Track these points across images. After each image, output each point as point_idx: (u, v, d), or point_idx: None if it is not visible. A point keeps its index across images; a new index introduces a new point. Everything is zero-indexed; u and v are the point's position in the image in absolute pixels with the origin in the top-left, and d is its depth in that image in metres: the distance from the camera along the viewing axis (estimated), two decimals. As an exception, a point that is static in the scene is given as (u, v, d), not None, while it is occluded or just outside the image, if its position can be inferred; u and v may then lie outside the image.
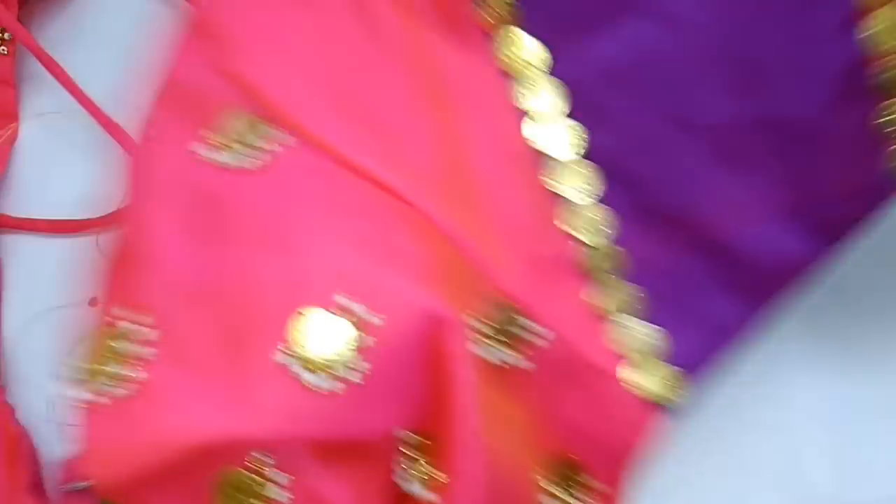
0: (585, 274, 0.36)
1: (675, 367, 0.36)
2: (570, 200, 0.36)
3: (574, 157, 0.36)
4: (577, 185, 0.36)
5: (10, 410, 0.39)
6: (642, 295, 0.36)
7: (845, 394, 0.38)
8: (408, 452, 0.32)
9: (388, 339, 0.31)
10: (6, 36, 0.43)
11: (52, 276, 0.42)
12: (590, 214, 0.36)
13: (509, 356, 0.34)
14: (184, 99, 0.36)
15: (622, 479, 0.36)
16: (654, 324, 0.36)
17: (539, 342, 0.34)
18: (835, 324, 0.37)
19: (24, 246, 0.42)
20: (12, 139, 0.43)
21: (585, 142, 0.36)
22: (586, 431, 0.36)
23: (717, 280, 0.36)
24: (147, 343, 0.33)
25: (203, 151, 0.35)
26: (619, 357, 0.36)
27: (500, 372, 0.34)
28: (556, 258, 0.36)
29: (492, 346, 0.33)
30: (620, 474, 0.36)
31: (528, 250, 0.35)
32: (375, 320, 0.31)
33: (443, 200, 0.34)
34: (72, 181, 0.43)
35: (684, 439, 0.37)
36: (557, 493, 0.35)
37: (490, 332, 0.33)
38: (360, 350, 0.31)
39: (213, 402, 0.31)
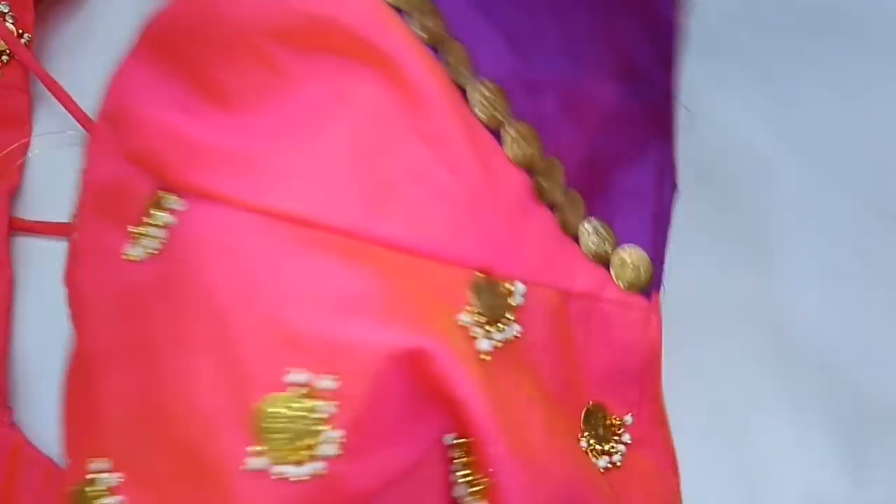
0: (541, 199, 0.34)
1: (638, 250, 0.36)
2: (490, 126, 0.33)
3: (475, 79, 0.33)
4: (491, 107, 0.33)
5: (20, 434, 0.38)
6: (582, 195, 0.35)
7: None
8: (457, 459, 0.30)
9: (350, 398, 0.28)
10: (23, 41, 0.42)
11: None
12: (513, 132, 0.33)
13: (504, 333, 0.31)
14: (105, 198, 0.33)
15: (649, 400, 0.36)
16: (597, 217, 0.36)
17: (518, 301, 0.32)
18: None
19: (35, 249, 0.41)
20: (27, 147, 0.42)
21: (473, 61, 0.33)
22: (597, 367, 0.35)
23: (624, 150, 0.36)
24: (113, 491, 0.29)
25: (128, 251, 0.32)
26: (598, 269, 0.35)
27: (502, 352, 0.31)
28: (513, 196, 0.33)
29: (487, 331, 0.31)
30: (645, 396, 0.36)
31: (485, 204, 0.32)
32: (329, 384, 0.28)
33: (369, 204, 0.31)
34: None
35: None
36: (599, 447, 0.35)
37: (480, 318, 0.31)
38: (327, 421, 0.28)
39: None
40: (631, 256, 0.36)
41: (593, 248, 0.35)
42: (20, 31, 0.42)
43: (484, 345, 0.30)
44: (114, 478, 0.30)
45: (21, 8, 0.41)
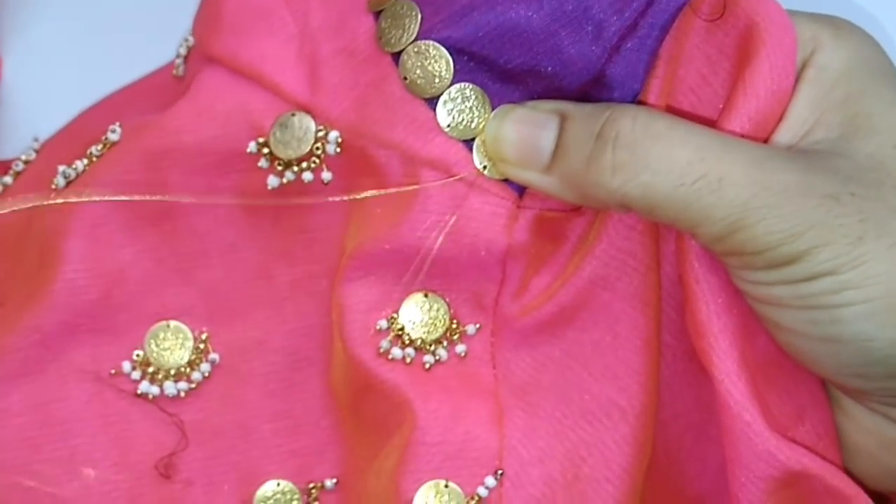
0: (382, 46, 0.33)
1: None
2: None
3: None
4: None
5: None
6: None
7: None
8: None
9: None
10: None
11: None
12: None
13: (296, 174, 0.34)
14: None
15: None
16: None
17: (331, 149, 0.33)
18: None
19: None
20: (-2, 79, 0.41)
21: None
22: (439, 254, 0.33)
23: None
24: None
25: None
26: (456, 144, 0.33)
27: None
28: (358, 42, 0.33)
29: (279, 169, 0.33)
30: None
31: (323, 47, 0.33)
32: None
33: None
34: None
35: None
36: (407, 337, 0.33)
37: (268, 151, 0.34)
38: None
39: None
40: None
41: (456, 119, 0.32)
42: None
43: (272, 181, 0.33)
44: None
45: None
